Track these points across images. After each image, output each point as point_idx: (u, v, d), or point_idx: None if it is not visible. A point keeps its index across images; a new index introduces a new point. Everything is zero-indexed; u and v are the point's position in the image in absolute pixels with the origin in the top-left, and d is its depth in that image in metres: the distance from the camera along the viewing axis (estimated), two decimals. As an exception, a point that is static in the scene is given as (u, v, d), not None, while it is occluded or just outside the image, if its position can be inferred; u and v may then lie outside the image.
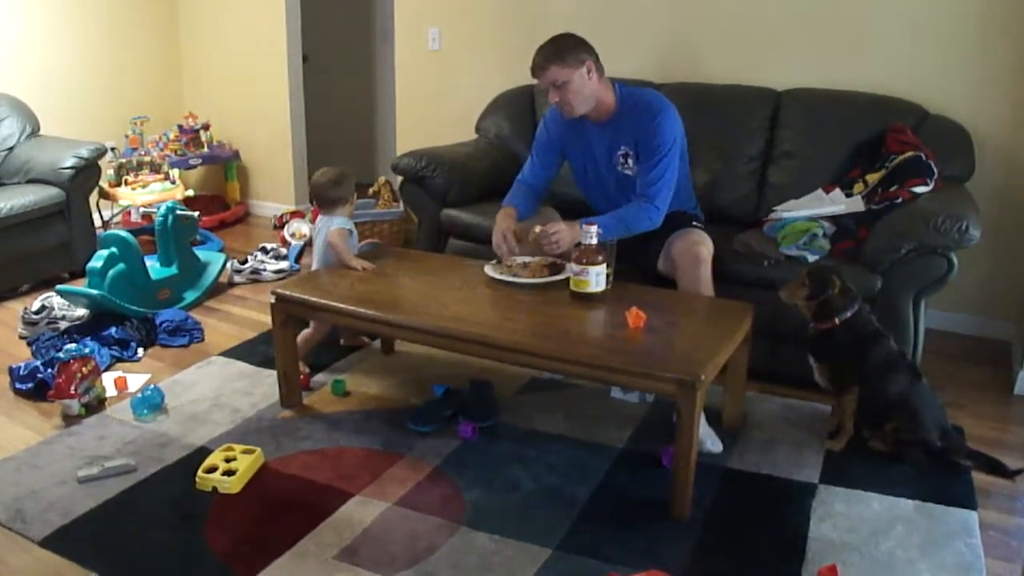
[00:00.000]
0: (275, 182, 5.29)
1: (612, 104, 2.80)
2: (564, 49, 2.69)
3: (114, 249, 3.40)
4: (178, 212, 3.72)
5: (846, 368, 2.50)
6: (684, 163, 2.88)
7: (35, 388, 2.82)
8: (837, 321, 2.47)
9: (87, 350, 2.89)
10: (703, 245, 2.69)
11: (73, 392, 2.67)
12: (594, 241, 2.44)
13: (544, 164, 2.99)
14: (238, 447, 2.42)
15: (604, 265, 2.46)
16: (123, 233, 3.48)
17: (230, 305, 3.77)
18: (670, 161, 2.72)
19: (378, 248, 3.12)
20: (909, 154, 2.95)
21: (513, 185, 3.01)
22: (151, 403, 2.72)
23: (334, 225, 2.90)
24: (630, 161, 2.82)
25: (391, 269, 2.85)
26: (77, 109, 4.75)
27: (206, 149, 5.06)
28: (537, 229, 2.68)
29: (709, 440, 2.49)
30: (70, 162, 3.89)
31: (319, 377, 2.98)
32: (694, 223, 2.85)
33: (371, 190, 4.78)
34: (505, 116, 3.94)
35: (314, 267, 3.02)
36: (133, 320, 3.32)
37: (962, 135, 3.14)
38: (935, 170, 2.91)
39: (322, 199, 2.97)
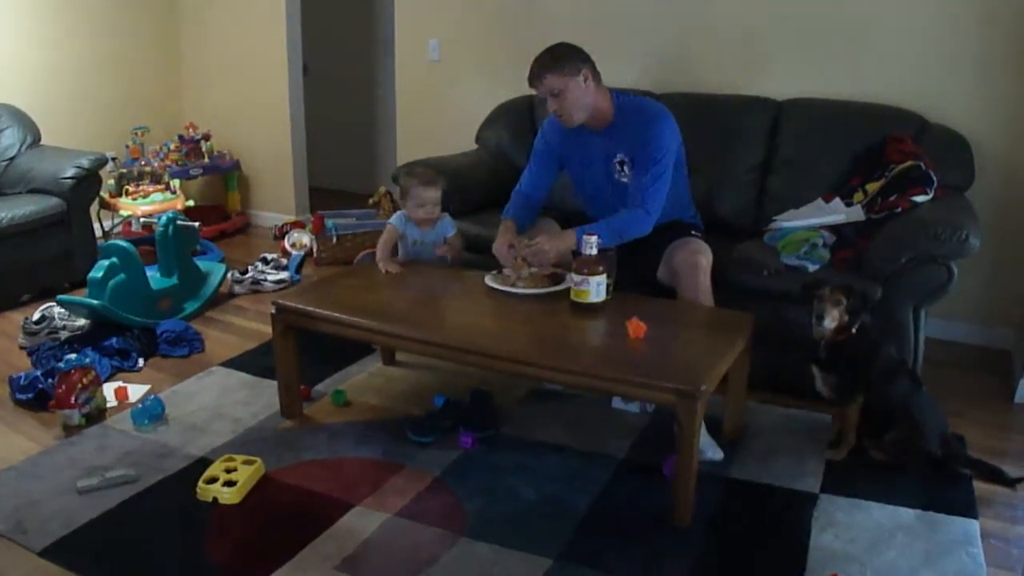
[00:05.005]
0: (276, 192, 5.30)
1: (609, 112, 2.81)
2: (560, 58, 2.70)
3: (115, 259, 3.39)
4: (179, 222, 3.72)
5: (854, 378, 2.49)
6: (682, 172, 2.89)
7: (35, 398, 2.82)
8: (853, 331, 2.47)
9: (87, 360, 2.88)
10: (702, 254, 2.69)
11: (73, 402, 2.67)
12: (594, 252, 2.45)
13: (542, 173, 3.00)
14: (239, 457, 2.41)
15: (604, 275, 2.46)
16: (124, 243, 3.48)
17: (231, 315, 3.77)
18: (664, 168, 2.72)
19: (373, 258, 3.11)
20: (909, 163, 2.96)
21: (511, 196, 3.02)
22: (151, 413, 2.72)
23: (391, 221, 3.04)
24: (627, 169, 2.82)
25: (391, 280, 2.85)
26: (78, 119, 4.76)
27: (206, 159, 5.06)
28: (523, 243, 2.70)
29: (710, 448, 2.49)
30: (71, 172, 3.90)
31: (320, 387, 2.98)
32: (693, 232, 2.86)
33: (371, 200, 4.80)
34: (505, 126, 3.94)
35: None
36: (134, 330, 3.32)
37: (962, 144, 3.15)
38: (935, 179, 2.92)
39: None
